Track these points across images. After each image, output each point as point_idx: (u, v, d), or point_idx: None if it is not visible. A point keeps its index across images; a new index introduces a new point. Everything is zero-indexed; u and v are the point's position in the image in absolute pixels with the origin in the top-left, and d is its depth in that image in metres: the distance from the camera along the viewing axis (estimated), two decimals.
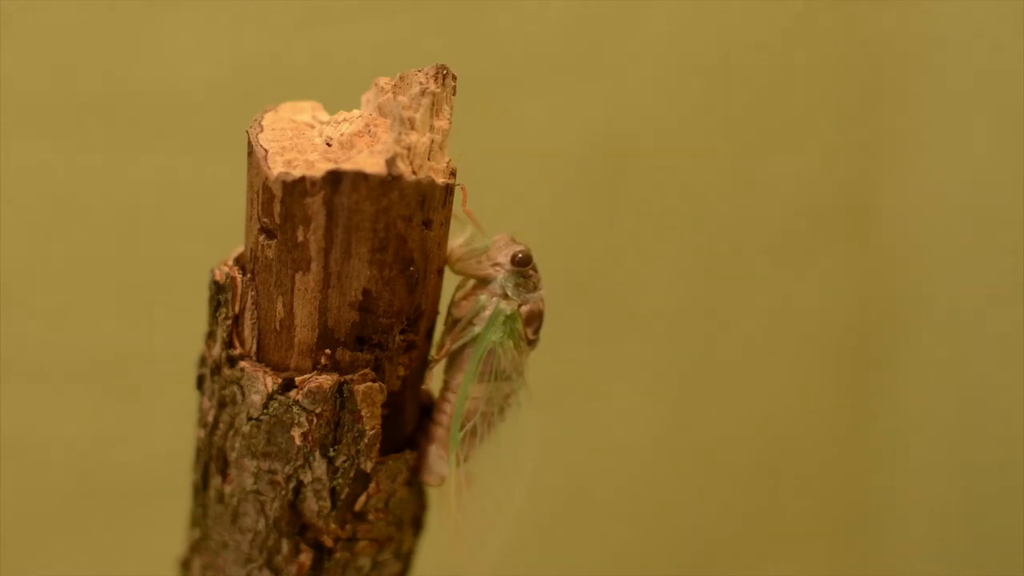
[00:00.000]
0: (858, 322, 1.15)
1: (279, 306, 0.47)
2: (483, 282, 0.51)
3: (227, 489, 0.50)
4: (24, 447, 0.89)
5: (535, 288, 0.51)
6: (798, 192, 1.09)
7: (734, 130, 1.05)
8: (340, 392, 0.47)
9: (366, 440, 0.48)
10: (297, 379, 0.48)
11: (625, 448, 1.08)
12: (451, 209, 0.48)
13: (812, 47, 1.07)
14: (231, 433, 0.49)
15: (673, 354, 1.09)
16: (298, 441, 0.48)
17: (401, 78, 0.48)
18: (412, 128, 0.46)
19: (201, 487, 0.52)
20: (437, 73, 0.47)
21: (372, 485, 0.50)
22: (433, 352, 0.51)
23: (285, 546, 0.50)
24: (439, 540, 0.55)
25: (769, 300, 1.11)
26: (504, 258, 0.50)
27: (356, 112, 0.49)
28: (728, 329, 1.10)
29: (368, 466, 0.49)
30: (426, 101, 0.47)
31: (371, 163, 0.45)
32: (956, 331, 1.12)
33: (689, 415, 1.10)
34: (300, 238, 0.46)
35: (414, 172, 0.46)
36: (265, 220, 0.46)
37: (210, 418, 0.50)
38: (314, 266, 0.46)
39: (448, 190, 0.47)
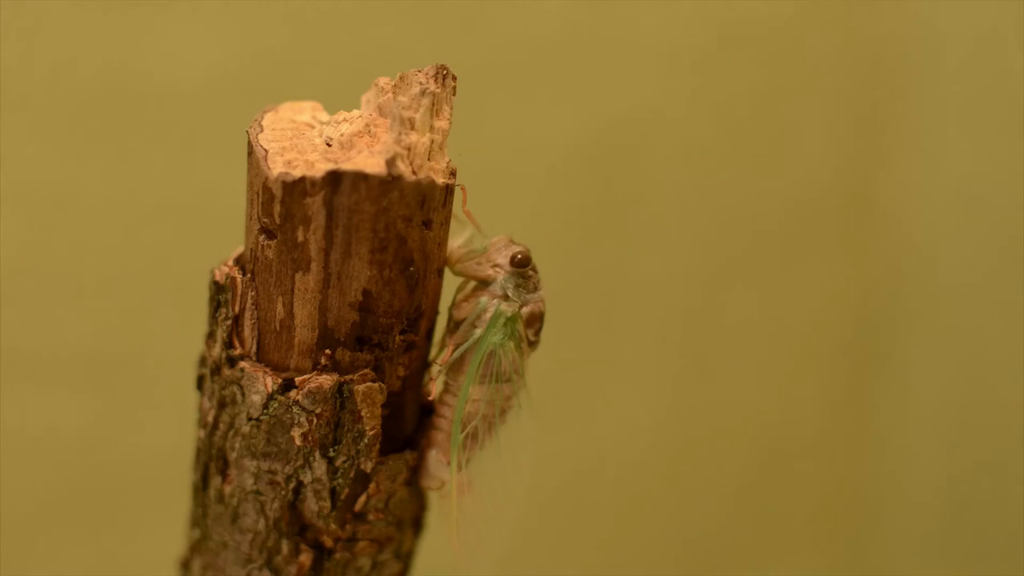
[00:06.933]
0: (858, 321, 1.15)
1: (279, 306, 0.47)
2: (483, 284, 0.51)
3: (227, 489, 0.50)
4: (24, 447, 0.89)
5: (535, 289, 0.51)
6: (798, 191, 1.09)
7: (734, 130, 1.05)
8: (340, 392, 0.47)
9: (366, 440, 0.48)
10: (297, 379, 0.48)
11: (625, 448, 1.08)
12: (451, 209, 0.48)
13: (811, 47, 1.07)
14: (231, 433, 0.49)
15: (673, 354, 1.09)
16: (298, 441, 0.48)
17: (401, 78, 0.48)
18: (412, 128, 0.46)
19: (201, 487, 0.52)
20: (437, 73, 0.47)
21: (372, 485, 0.50)
22: (433, 353, 0.51)
23: (285, 546, 0.50)
24: (439, 540, 0.55)
25: (769, 299, 1.11)
26: (503, 259, 0.50)
27: (356, 112, 0.49)
28: (727, 329, 1.10)
29: (368, 466, 0.49)
30: (426, 101, 0.47)
31: (371, 163, 0.45)
32: (956, 330, 1.12)
33: (689, 415, 1.10)
34: (300, 238, 0.46)
35: (414, 172, 0.46)
36: (265, 220, 0.46)
37: (210, 418, 0.50)
38: (314, 266, 0.46)
39: (448, 190, 0.47)
